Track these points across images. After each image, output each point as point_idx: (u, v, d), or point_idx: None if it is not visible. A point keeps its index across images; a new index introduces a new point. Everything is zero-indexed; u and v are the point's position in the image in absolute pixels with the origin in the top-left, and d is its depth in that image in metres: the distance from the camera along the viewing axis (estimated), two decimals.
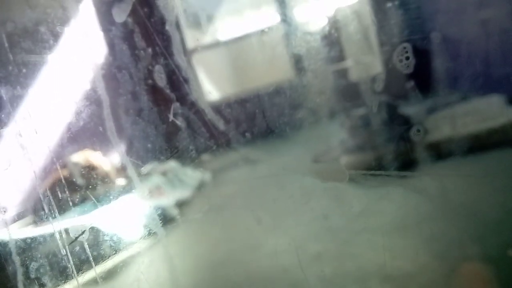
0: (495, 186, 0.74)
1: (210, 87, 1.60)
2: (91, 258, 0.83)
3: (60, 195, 1.04)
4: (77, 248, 0.84)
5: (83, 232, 0.85)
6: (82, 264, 0.83)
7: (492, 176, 0.79)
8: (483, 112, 0.98)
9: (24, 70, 1.16)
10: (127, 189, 1.13)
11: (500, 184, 0.74)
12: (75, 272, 0.83)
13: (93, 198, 1.03)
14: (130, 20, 1.33)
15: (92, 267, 0.84)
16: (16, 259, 0.90)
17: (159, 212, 1.03)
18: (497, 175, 0.78)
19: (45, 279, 0.82)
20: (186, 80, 1.54)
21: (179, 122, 1.37)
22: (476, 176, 0.78)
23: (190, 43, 1.61)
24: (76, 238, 0.87)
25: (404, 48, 1.08)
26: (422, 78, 1.08)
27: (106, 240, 0.88)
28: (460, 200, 0.72)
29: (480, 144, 0.89)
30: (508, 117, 0.91)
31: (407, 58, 1.08)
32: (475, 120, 0.95)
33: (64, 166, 1.22)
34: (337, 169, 1.03)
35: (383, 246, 0.65)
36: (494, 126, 0.91)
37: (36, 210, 1.07)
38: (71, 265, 0.82)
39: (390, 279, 0.59)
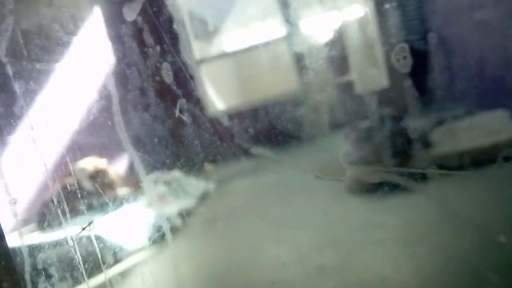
0: (499, 199, 0.74)
1: (216, 97, 1.62)
2: (94, 266, 0.84)
3: (68, 203, 1.05)
4: (81, 256, 0.84)
5: (90, 224, 0.85)
6: (86, 272, 0.83)
7: (496, 190, 0.79)
8: (486, 127, 0.98)
9: (37, 66, 1.18)
10: (132, 197, 1.14)
11: (500, 199, 0.74)
12: (85, 277, 0.83)
13: (98, 206, 1.04)
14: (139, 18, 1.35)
15: (95, 275, 0.84)
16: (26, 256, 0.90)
17: (163, 221, 1.03)
18: (497, 189, 0.78)
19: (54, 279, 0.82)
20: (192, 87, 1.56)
21: (185, 133, 1.38)
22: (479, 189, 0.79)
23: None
24: (83, 229, 0.87)
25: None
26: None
27: (110, 248, 0.89)
28: (464, 213, 0.72)
29: (483, 158, 0.89)
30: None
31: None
32: (478, 134, 0.96)
33: (69, 173, 1.23)
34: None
35: (386, 258, 0.65)
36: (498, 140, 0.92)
37: (40, 216, 1.07)
38: (79, 270, 0.82)
39: None
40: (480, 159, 0.90)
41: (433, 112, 1.09)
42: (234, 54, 1.68)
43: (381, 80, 1.52)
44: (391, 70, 1.44)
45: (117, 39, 1.43)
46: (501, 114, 0.99)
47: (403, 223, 0.73)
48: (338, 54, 1.48)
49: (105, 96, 1.29)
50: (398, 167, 0.89)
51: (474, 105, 1.08)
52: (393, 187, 0.88)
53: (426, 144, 0.98)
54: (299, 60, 1.68)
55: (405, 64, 1.25)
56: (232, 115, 1.57)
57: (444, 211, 0.76)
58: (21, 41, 1.07)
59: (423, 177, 0.89)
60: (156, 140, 1.34)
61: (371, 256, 0.70)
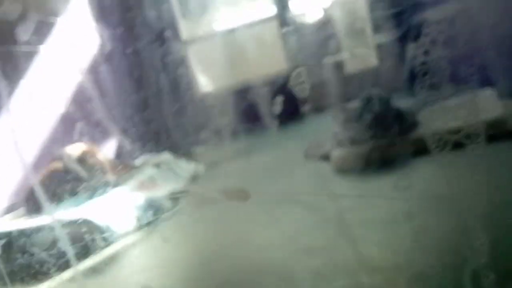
0: (479, 180, 0.75)
1: (205, 77, 1.60)
2: (83, 250, 0.84)
3: (54, 187, 1.04)
4: (70, 240, 0.84)
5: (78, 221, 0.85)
6: (75, 256, 0.83)
7: (477, 169, 0.80)
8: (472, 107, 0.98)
9: (19, 49, 1.15)
10: (121, 181, 1.14)
11: (485, 178, 0.75)
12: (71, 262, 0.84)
13: (87, 190, 1.03)
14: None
15: (85, 258, 0.84)
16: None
17: (152, 203, 1.03)
18: (483, 169, 0.79)
19: (38, 267, 0.82)
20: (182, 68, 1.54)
21: (174, 112, 1.36)
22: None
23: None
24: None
25: None
26: None
27: (99, 232, 0.89)
28: (447, 193, 0.73)
29: (469, 137, 0.89)
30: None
31: None
32: (465, 114, 0.96)
33: (57, 157, 1.22)
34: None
35: (373, 238, 0.66)
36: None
37: (28, 201, 1.07)
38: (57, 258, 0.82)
39: (378, 271, 0.59)
40: (465, 138, 0.90)
41: (421, 93, 1.08)
42: (223, 33, 1.66)
43: (371, 60, 1.51)
44: (381, 50, 1.43)
45: (102, 18, 1.40)
46: (490, 94, 0.99)
47: (389, 203, 0.74)
48: (327, 34, 1.46)
49: (89, 78, 1.27)
50: (385, 148, 0.89)
51: (462, 85, 1.08)
52: (380, 168, 0.88)
53: (413, 124, 0.98)
54: (288, 40, 1.66)
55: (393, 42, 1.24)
56: (221, 95, 1.55)
57: (428, 191, 0.77)
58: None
59: (409, 157, 0.90)
60: (144, 122, 1.33)
61: (356, 235, 0.70)
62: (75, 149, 1.19)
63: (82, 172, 1.13)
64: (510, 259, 0.51)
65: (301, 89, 1.25)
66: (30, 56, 1.22)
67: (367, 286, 0.59)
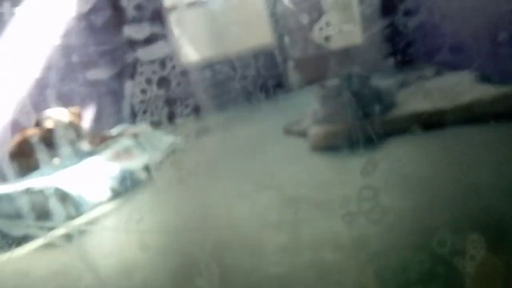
0: (451, 162, 0.76)
1: (188, 48, 1.56)
2: (55, 219, 0.83)
3: (27, 154, 1.03)
4: (41, 208, 0.83)
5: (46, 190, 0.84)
6: (46, 225, 0.83)
7: (450, 151, 0.81)
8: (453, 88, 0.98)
9: None
10: (96, 150, 1.12)
11: (457, 160, 0.76)
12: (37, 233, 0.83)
13: (60, 158, 1.02)
14: None
15: (56, 227, 0.83)
16: None
17: (127, 174, 1.02)
18: (455, 151, 0.80)
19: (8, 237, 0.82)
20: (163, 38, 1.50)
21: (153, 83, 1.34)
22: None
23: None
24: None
25: None
26: None
27: (71, 201, 0.88)
28: (417, 174, 0.74)
29: (447, 119, 0.90)
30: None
31: None
32: (444, 95, 0.96)
33: (34, 123, 1.19)
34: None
35: (339, 215, 0.66)
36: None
37: None
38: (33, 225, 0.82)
39: (341, 248, 0.60)
40: (443, 120, 0.91)
41: (400, 72, 1.08)
42: (208, 3, 1.61)
43: (355, 37, 1.49)
44: (365, 27, 1.42)
45: None
46: (467, 76, 0.99)
47: (361, 181, 0.74)
48: (314, 7, 1.43)
49: (69, 46, 1.23)
50: (361, 127, 0.89)
51: (442, 66, 1.07)
52: (356, 145, 0.89)
53: (391, 104, 0.98)
54: (274, 13, 1.62)
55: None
56: (203, 66, 1.52)
57: (401, 170, 0.77)
58: None
59: (385, 137, 0.90)
60: (122, 91, 1.30)
61: (326, 212, 0.71)
62: (61, 114, 1.15)
63: (72, 137, 1.10)
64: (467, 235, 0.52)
65: (286, 64, 1.23)
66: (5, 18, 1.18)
67: (330, 261, 0.60)
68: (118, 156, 1.06)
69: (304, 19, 1.51)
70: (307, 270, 0.57)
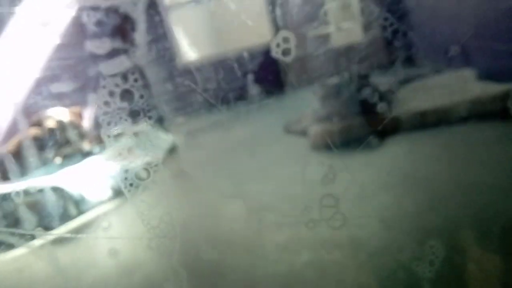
0: (450, 160, 0.76)
1: (187, 47, 1.56)
2: (56, 218, 0.84)
3: (26, 154, 1.03)
4: (40, 208, 0.84)
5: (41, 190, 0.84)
6: (47, 225, 0.83)
7: (450, 149, 0.81)
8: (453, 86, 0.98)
9: None
10: (96, 150, 1.13)
11: (456, 158, 0.76)
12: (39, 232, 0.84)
13: (62, 157, 1.02)
14: None
15: (57, 227, 0.84)
16: None
17: (127, 173, 1.03)
18: (455, 149, 0.80)
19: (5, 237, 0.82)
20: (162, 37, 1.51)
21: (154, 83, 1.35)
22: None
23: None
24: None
25: None
26: None
27: (71, 200, 0.88)
28: (416, 173, 0.74)
29: (446, 117, 0.90)
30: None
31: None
32: (444, 93, 0.96)
33: (34, 123, 1.20)
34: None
35: (339, 213, 0.67)
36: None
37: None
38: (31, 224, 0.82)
39: (340, 247, 0.61)
40: (443, 118, 0.91)
41: (400, 70, 1.08)
42: (207, 1, 1.61)
43: (356, 35, 1.48)
44: (365, 25, 1.41)
45: None
46: (468, 74, 0.99)
47: (361, 180, 0.74)
48: (314, 6, 1.43)
49: (70, 46, 1.23)
50: (362, 125, 0.89)
51: (442, 64, 1.07)
52: (354, 144, 0.89)
53: (391, 102, 0.98)
54: (273, 10, 1.61)
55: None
56: (203, 65, 1.52)
57: (401, 169, 0.77)
58: None
59: (384, 135, 0.90)
60: (124, 91, 1.30)
61: (325, 211, 0.71)
62: (61, 114, 1.16)
63: (74, 138, 1.10)
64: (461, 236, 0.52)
65: (286, 58, 1.22)
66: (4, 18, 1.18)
67: (328, 261, 0.60)
68: (118, 155, 1.06)
69: (303, 16, 1.51)
70: (305, 270, 0.58)
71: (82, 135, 1.21)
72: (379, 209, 0.65)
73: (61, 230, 0.85)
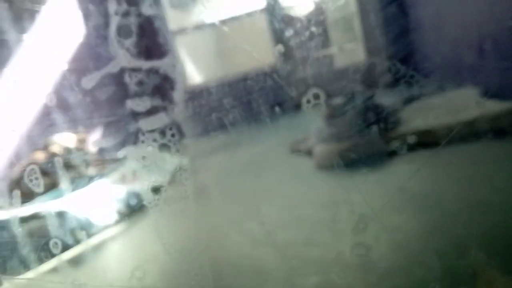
0: (458, 179, 0.75)
1: (193, 70, 1.59)
2: (61, 243, 0.83)
3: (32, 180, 1.03)
4: (46, 233, 0.84)
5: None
6: (52, 250, 0.83)
7: (455, 167, 0.80)
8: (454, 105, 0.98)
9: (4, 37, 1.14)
10: (102, 174, 1.13)
11: (463, 176, 0.76)
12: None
13: (67, 182, 1.02)
14: None
15: (63, 251, 0.84)
16: None
17: (134, 197, 1.03)
18: (460, 167, 0.79)
19: (14, 262, 0.82)
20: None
21: (159, 105, 1.36)
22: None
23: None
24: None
25: None
26: None
27: (76, 225, 0.88)
28: (423, 192, 0.73)
29: (451, 135, 0.90)
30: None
31: None
32: (447, 112, 0.96)
33: (40, 148, 1.21)
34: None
35: (346, 235, 0.66)
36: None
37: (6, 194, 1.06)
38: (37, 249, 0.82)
39: (349, 268, 0.60)
40: (448, 137, 0.90)
41: (404, 90, 1.08)
42: (211, 25, 1.64)
43: (358, 55, 1.50)
44: (369, 46, 1.43)
45: (86, 10, 1.37)
46: (471, 92, 0.99)
47: (367, 200, 0.74)
48: (318, 28, 1.45)
49: (75, 119, 1.26)
50: (366, 145, 0.89)
51: (445, 82, 1.08)
52: (361, 164, 0.88)
53: (396, 121, 0.98)
54: (277, 33, 1.64)
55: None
56: (209, 88, 1.54)
57: (407, 189, 0.77)
58: None
59: (391, 155, 0.90)
60: (129, 114, 1.32)
61: (333, 232, 0.71)
62: (67, 139, 1.17)
63: (78, 162, 1.11)
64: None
65: (289, 83, 1.24)
66: (13, 44, 1.21)
67: (339, 283, 0.59)
68: (124, 179, 1.07)
69: (307, 39, 1.53)
70: None
71: (87, 160, 1.22)
72: (390, 230, 0.64)
73: (68, 254, 0.84)
